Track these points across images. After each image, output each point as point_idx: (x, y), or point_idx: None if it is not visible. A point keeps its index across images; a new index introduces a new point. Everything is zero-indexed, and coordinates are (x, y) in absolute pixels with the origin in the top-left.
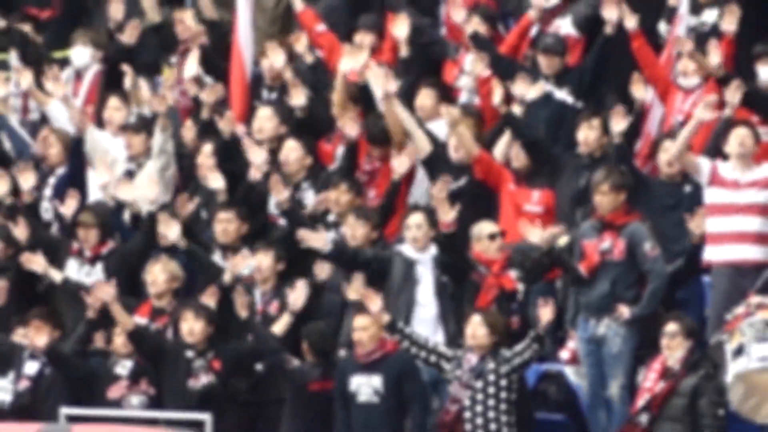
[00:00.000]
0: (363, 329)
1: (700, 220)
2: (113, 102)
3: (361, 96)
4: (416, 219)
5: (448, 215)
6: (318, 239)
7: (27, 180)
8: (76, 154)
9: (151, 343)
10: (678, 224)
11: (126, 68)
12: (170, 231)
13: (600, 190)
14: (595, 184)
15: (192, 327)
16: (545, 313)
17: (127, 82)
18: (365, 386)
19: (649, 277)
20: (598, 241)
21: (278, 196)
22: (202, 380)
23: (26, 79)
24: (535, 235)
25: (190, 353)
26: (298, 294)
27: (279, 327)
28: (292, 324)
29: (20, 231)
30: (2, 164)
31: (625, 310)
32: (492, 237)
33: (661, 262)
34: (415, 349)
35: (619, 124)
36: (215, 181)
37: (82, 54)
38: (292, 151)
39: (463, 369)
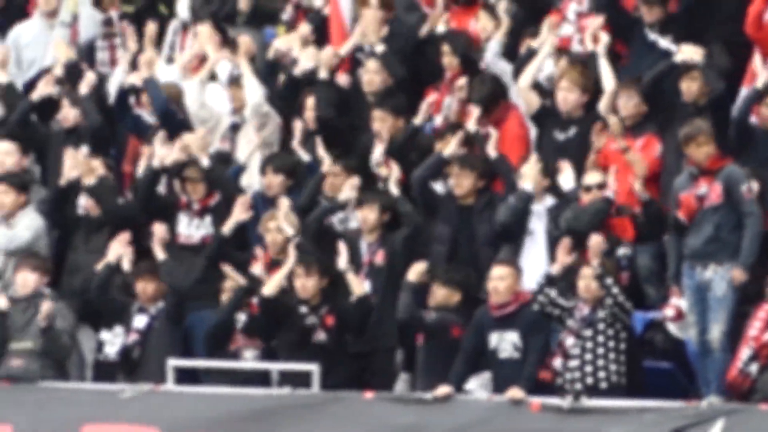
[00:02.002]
0: (500, 279)
1: None
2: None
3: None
4: (527, 168)
5: None
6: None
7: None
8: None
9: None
10: None
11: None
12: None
13: (695, 140)
14: (686, 136)
15: (304, 283)
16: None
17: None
18: (504, 342)
19: (746, 221)
20: (695, 188)
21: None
22: (316, 337)
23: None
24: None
25: (303, 309)
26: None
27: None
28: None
29: None
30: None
31: (739, 274)
32: (599, 187)
33: (757, 204)
34: (550, 307)
35: None
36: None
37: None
38: (378, 121)
39: (574, 318)
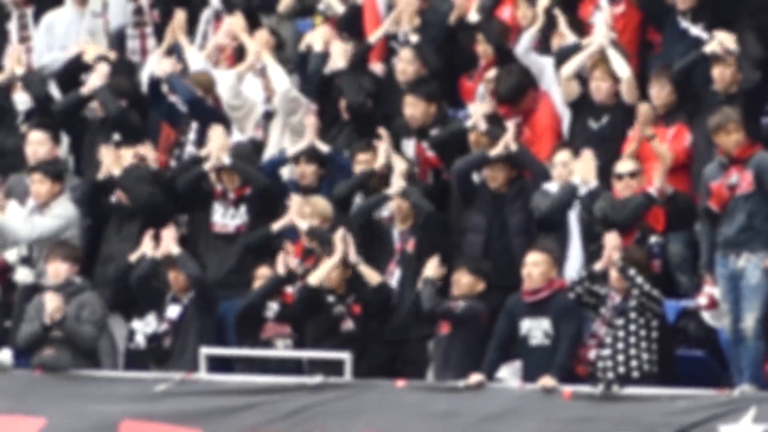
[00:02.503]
0: (534, 265)
1: None
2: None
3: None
4: (562, 157)
5: None
6: None
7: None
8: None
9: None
10: None
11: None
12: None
13: (725, 129)
14: (716, 124)
15: (330, 273)
16: None
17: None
18: (536, 329)
19: None
20: (725, 178)
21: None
22: (345, 326)
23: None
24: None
25: (330, 298)
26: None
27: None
28: None
29: None
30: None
31: None
32: (631, 175)
33: None
34: (587, 296)
35: None
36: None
37: None
38: (410, 106)
39: (606, 307)
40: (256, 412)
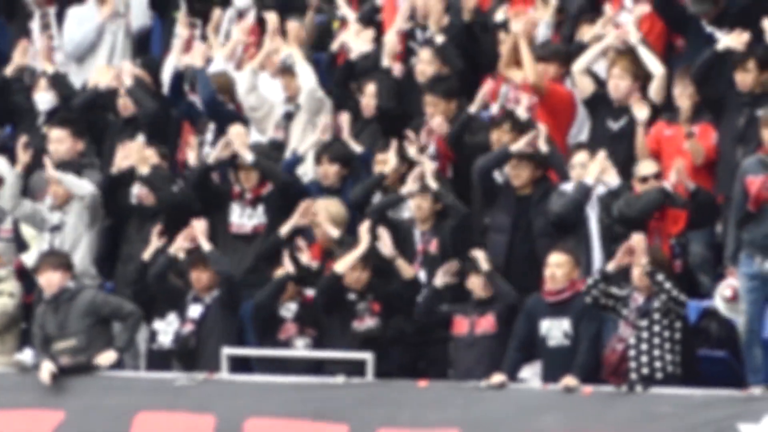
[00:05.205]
0: (557, 266)
1: None
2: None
3: None
4: (580, 158)
5: None
6: None
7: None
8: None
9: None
10: None
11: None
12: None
13: None
14: (764, 119)
15: (352, 273)
16: None
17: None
18: (555, 329)
19: None
20: (765, 178)
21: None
22: (367, 323)
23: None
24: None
25: (351, 296)
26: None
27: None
28: None
29: None
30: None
31: None
32: (655, 177)
33: None
34: (604, 299)
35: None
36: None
37: None
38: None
39: (629, 308)
40: (270, 401)
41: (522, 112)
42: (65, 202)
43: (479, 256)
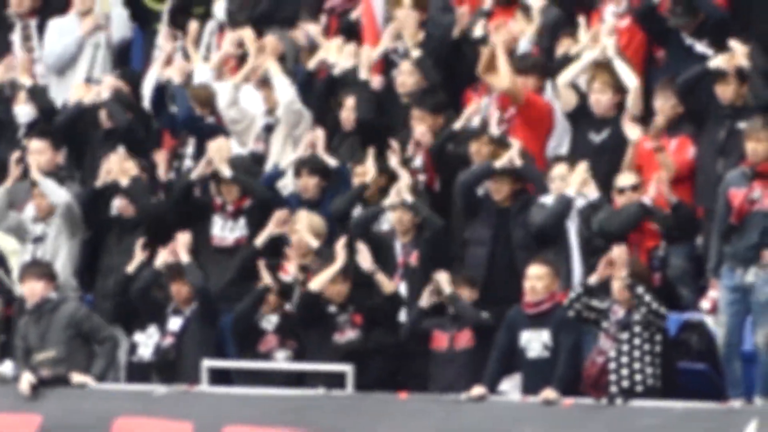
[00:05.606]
0: (537, 278)
1: None
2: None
3: None
4: (559, 170)
5: None
6: None
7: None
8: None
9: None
10: None
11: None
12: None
13: (756, 137)
14: (750, 131)
15: (333, 286)
16: None
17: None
18: (535, 341)
19: None
20: (748, 190)
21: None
22: (348, 335)
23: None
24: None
25: (332, 308)
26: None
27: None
28: None
29: None
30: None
31: None
32: (633, 189)
33: None
34: (587, 312)
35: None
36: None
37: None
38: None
39: (610, 321)
40: (249, 411)
41: (494, 129)
42: (48, 214)
43: (441, 279)
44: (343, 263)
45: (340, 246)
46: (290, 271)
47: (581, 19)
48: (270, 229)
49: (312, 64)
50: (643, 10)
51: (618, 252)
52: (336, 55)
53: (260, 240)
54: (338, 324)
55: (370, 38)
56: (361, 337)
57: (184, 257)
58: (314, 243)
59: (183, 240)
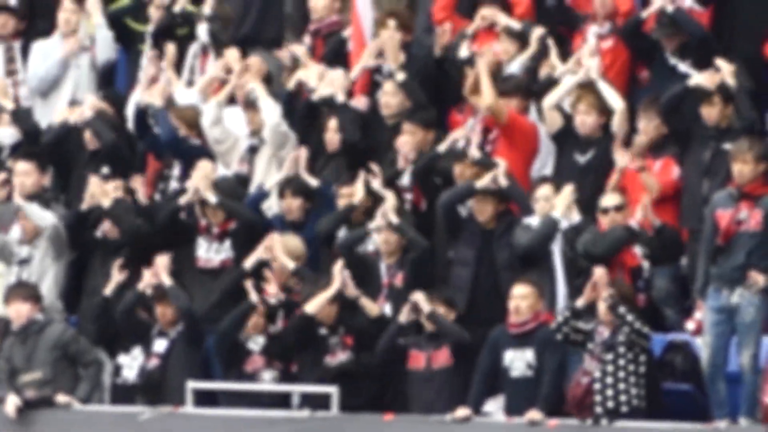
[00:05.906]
0: (522, 297)
1: None
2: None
3: None
4: (544, 191)
5: None
6: None
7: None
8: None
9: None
10: None
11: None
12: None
13: (742, 158)
14: (736, 152)
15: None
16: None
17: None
18: (518, 360)
19: None
20: (735, 211)
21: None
22: (339, 357)
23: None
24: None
25: (323, 331)
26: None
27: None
28: None
29: None
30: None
31: (760, 278)
32: (617, 209)
33: None
34: (574, 334)
35: None
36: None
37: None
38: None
39: (595, 342)
40: (235, 429)
41: (474, 152)
42: (34, 236)
43: (419, 298)
44: (339, 286)
45: (338, 269)
46: (271, 292)
47: (551, 42)
48: (259, 253)
49: (291, 83)
50: (629, 27)
51: (599, 274)
52: (316, 81)
53: (249, 263)
54: (330, 346)
55: (358, 58)
56: (353, 359)
57: (166, 280)
58: (290, 264)
59: (162, 263)
